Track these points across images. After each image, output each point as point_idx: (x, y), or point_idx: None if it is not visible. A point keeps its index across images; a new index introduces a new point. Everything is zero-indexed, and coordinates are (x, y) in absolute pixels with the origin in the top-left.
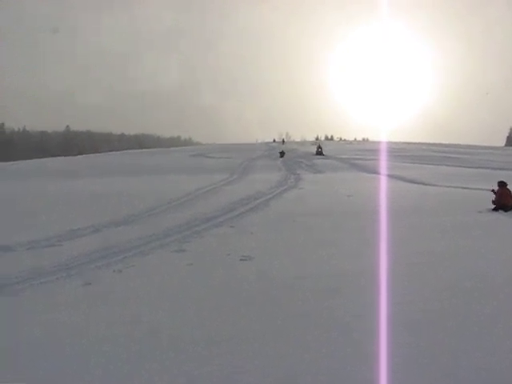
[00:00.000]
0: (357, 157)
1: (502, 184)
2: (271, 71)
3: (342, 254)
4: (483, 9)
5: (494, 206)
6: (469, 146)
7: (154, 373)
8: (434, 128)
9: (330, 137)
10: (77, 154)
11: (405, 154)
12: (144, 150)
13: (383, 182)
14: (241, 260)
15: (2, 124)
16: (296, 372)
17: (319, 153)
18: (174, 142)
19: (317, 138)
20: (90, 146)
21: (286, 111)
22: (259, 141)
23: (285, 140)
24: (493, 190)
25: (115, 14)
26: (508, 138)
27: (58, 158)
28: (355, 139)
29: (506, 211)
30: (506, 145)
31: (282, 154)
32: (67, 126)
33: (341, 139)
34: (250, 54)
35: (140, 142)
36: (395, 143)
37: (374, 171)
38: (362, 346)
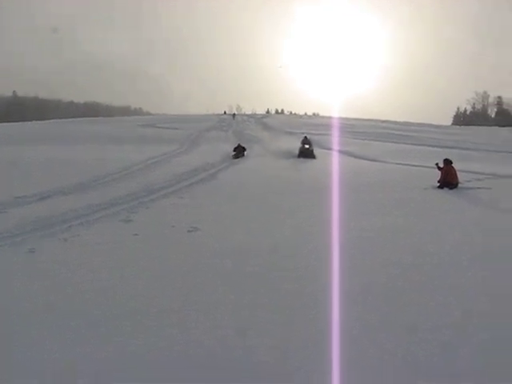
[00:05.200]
0: (307, 131)
1: (447, 162)
2: (223, 43)
3: (288, 226)
4: None
5: (439, 184)
6: (418, 124)
7: (97, 344)
8: (384, 105)
9: (280, 110)
10: (22, 121)
11: (355, 130)
12: (93, 118)
13: (334, 158)
14: (188, 231)
15: None
16: (251, 346)
17: (306, 153)
18: (124, 112)
19: (267, 111)
20: (37, 113)
21: (237, 84)
22: (210, 112)
23: (236, 113)
24: (437, 164)
25: None
26: (455, 117)
27: (2, 124)
28: (306, 113)
29: (450, 189)
30: (452, 123)
31: (239, 151)
32: (14, 92)
33: (291, 113)
34: (200, 25)
35: (90, 110)
36: (346, 119)
37: (325, 146)
38: (315, 322)
